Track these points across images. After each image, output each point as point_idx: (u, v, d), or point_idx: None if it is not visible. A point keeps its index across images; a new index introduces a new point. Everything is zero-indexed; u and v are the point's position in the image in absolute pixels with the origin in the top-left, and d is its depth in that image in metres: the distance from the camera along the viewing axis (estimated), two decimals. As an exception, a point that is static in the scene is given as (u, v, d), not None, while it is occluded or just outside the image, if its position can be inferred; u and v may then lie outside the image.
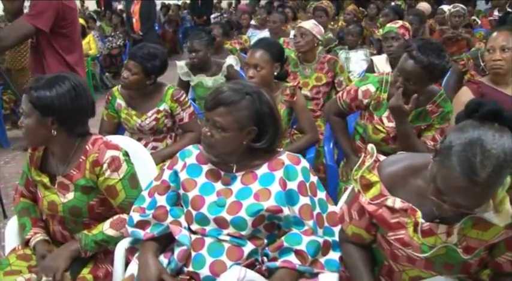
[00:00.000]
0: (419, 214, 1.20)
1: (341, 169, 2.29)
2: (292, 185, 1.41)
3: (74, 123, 1.56)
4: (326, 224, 1.45)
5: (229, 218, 1.39)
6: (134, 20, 5.87)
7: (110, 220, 1.60)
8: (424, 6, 5.64)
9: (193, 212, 1.44)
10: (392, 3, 6.19)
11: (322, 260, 1.40)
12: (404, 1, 6.85)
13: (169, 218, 1.48)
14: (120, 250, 1.55)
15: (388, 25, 3.00)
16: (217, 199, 1.43)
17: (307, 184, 1.43)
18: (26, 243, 1.66)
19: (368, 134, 2.13)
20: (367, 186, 1.28)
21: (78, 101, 1.52)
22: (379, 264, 1.39)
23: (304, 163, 1.47)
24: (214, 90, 1.43)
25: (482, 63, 2.93)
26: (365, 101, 2.11)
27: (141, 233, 1.47)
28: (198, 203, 1.43)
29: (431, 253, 1.19)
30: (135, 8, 5.84)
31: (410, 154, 1.39)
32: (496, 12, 6.59)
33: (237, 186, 1.44)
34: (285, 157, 1.46)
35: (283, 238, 1.39)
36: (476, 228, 1.18)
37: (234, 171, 1.47)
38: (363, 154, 1.36)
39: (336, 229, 1.45)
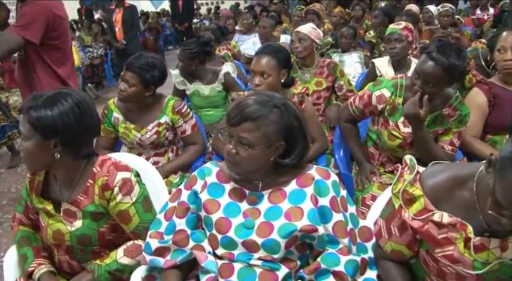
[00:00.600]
0: (470, 228, 1.12)
1: (354, 177, 2.20)
2: (324, 201, 1.31)
3: (79, 144, 1.41)
4: (358, 240, 1.36)
5: (260, 241, 1.28)
6: (117, 29, 5.71)
7: (124, 247, 1.47)
8: (413, 8, 5.64)
9: (219, 236, 1.32)
10: (382, 4, 6.15)
11: (360, 280, 1.31)
12: (388, 2, 6.85)
13: (191, 243, 1.36)
14: (136, 279, 1.42)
15: (391, 26, 2.93)
16: (245, 221, 1.32)
17: (339, 199, 1.34)
18: (28, 275, 1.50)
19: (383, 141, 2.05)
20: (410, 201, 1.19)
21: (84, 120, 1.38)
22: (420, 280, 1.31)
23: (334, 176, 1.37)
24: (237, 103, 1.31)
25: (483, 63, 2.91)
26: (379, 107, 2.02)
27: (161, 261, 1.35)
28: (223, 226, 1.32)
29: (486, 270, 1.11)
30: (117, 16, 5.68)
31: (451, 164, 1.31)
32: (478, 11, 6.67)
33: (264, 205, 1.34)
34: (314, 171, 1.36)
35: (319, 259, 1.29)
36: None
37: (259, 189, 1.36)
38: (399, 166, 1.28)
39: (369, 245, 1.36)
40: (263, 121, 1.26)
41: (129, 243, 1.47)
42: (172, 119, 2.28)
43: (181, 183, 2.25)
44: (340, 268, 1.26)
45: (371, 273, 1.32)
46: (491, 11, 6.61)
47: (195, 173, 1.44)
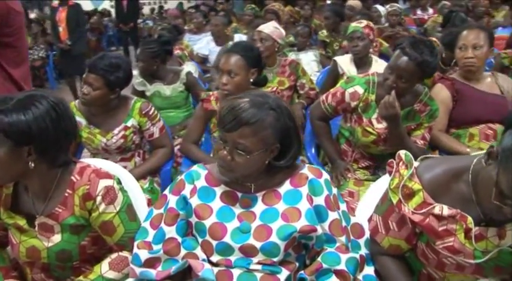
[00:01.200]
0: (470, 219, 1.14)
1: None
2: (319, 200, 1.29)
3: (55, 151, 1.27)
4: (352, 237, 1.35)
5: (258, 244, 1.24)
6: (61, 29, 5.40)
7: (108, 260, 1.36)
8: (355, 4, 5.77)
9: (214, 242, 1.26)
10: (328, 1, 6.27)
11: (360, 276, 1.30)
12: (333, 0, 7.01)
13: (183, 251, 1.29)
14: (123, 293, 1.33)
15: (353, 25, 2.98)
16: (240, 225, 1.27)
17: (331, 197, 1.33)
18: None
19: (357, 137, 2.07)
20: (409, 195, 1.20)
21: (61, 124, 1.25)
22: (416, 273, 1.33)
23: (326, 174, 1.35)
24: (231, 107, 1.23)
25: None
26: (353, 104, 2.04)
27: (153, 273, 1.27)
28: (218, 232, 1.26)
29: (487, 258, 1.14)
30: (61, 15, 5.37)
31: (445, 157, 1.34)
32: (419, 11, 6.98)
33: (259, 208, 1.29)
34: (307, 171, 1.33)
35: (319, 259, 1.26)
36: None
37: (252, 191, 1.32)
38: (394, 162, 1.28)
39: (361, 241, 1.36)
40: (260, 125, 1.20)
41: (114, 255, 1.37)
42: (140, 122, 2.17)
43: (151, 188, 2.18)
44: (342, 266, 1.24)
45: (368, 269, 1.32)
46: (431, 11, 6.95)
47: (182, 177, 1.37)
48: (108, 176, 1.35)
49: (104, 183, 1.32)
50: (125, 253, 1.37)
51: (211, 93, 2.24)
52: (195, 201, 1.31)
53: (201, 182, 1.34)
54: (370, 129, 2.02)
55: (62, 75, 7.24)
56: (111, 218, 1.33)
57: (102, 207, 1.31)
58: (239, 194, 1.31)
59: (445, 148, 2.20)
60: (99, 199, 1.30)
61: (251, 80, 2.15)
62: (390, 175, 1.31)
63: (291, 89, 3.04)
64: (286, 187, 1.31)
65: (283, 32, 3.06)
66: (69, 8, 5.39)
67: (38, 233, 1.33)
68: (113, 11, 12.27)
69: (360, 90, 2.02)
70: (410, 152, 1.94)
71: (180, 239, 1.31)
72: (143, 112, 2.17)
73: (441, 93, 2.25)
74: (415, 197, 1.20)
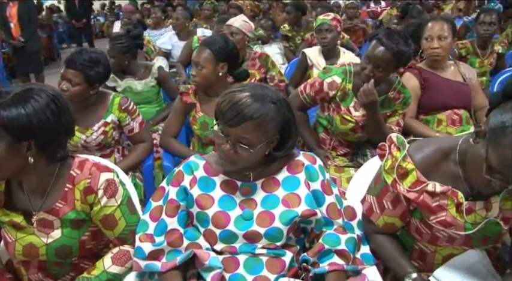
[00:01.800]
0: (460, 194, 1.23)
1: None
2: (316, 185, 1.35)
3: (55, 146, 1.24)
4: (345, 219, 1.42)
5: (262, 230, 1.27)
6: (12, 25, 5.16)
7: (110, 255, 1.35)
8: None
9: (217, 231, 1.29)
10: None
11: (358, 255, 1.36)
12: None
13: (185, 242, 1.30)
14: (127, 286, 1.33)
15: (321, 17, 3.06)
16: (243, 212, 1.30)
17: (326, 182, 1.38)
18: None
19: (335, 125, 2.14)
20: (403, 175, 1.28)
21: (61, 117, 1.22)
22: (409, 249, 1.41)
23: (319, 161, 1.41)
24: (232, 102, 1.23)
25: None
26: (331, 93, 2.11)
27: (158, 265, 1.28)
28: (221, 220, 1.29)
29: (477, 229, 1.23)
30: (12, 11, 5.14)
31: (431, 139, 1.42)
32: (372, 4, 7.21)
33: (259, 195, 1.33)
34: (302, 158, 1.38)
35: (321, 240, 1.31)
36: (510, 199, 1.25)
37: (251, 179, 1.35)
38: (386, 145, 1.35)
39: (354, 223, 1.42)
40: (263, 119, 1.22)
41: (115, 250, 1.36)
42: (119, 117, 2.15)
43: (134, 183, 2.16)
44: (342, 246, 1.30)
45: (365, 248, 1.38)
46: (383, 3, 7.21)
47: (180, 168, 1.38)
48: (108, 169, 1.34)
49: (105, 176, 1.31)
50: (126, 247, 1.36)
51: (189, 86, 2.24)
52: (195, 191, 1.32)
53: (200, 173, 1.36)
54: (348, 117, 2.10)
55: (14, 73, 6.93)
56: (112, 212, 1.32)
57: (103, 200, 1.30)
58: (238, 183, 1.34)
59: (416, 133, 2.31)
60: (100, 192, 1.29)
61: (220, 74, 2.14)
62: (381, 157, 1.38)
63: (261, 82, 3.08)
64: (284, 174, 1.35)
65: (252, 25, 3.10)
66: (20, 3, 5.16)
67: (36, 229, 1.29)
68: (61, 7, 11.88)
69: (338, 80, 2.09)
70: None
71: (182, 230, 1.32)
72: (123, 107, 2.15)
73: (410, 81, 2.36)
74: (408, 176, 1.27)
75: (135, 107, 2.21)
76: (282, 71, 3.49)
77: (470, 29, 3.78)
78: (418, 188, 1.25)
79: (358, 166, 2.15)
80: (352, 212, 1.42)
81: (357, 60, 3.10)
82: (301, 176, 1.34)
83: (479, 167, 1.13)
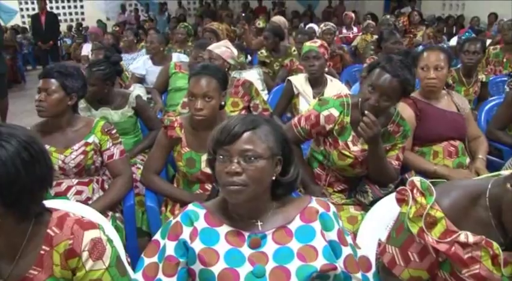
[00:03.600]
0: (495, 245, 1.12)
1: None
2: (332, 235, 1.21)
3: (28, 202, 1.06)
4: (361, 271, 1.28)
5: None
6: (-26, 47, 4.86)
7: None
8: (279, 19, 5.82)
9: (225, 292, 1.12)
10: (260, 23, 6.29)
11: None
12: (265, 20, 7.07)
13: None
14: None
15: (308, 44, 2.96)
16: (254, 269, 1.14)
17: (341, 231, 1.25)
18: None
19: (333, 161, 2.01)
20: (432, 224, 1.15)
21: (35, 168, 1.04)
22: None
23: (332, 207, 1.27)
24: (222, 126, 1.17)
25: None
26: (328, 127, 1.98)
27: None
28: (229, 279, 1.12)
29: None
30: (-25, 32, 4.85)
31: (457, 182, 1.31)
32: (344, 30, 7.26)
33: (270, 247, 1.17)
34: (315, 204, 1.24)
35: (341, 301, 1.17)
36: None
37: (260, 229, 1.19)
38: (408, 189, 1.23)
39: (370, 275, 1.29)
40: (261, 130, 1.16)
41: None
42: (101, 139, 2.07)
43: (115, 226, 1.96)
44: None
45: None
46: (355, 29, 7.27)
47: (177, 219, 1.21)
48: (93, 226, 1.15)
49: (89, 235, 1.12)
50: None
51: (174, 118, 2.07)
52: (197, 245, 1.16)
53: (201, 223, 1.20)
54: (346, 153, 1.97)
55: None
56: (100, 276, 1.13)
57: (89, 264, 1.11)
58: (246, 234, 1.19)
59: (413, 166, 2.23)
60: (85, 254, 1.10)
61: (222, 104, 2.03)
62: (400, 202, 1.26)
63: (245, 110, 2.95)
64: (296, 222, 1.21)
65: (235, 52, 2.97)
66: (-17, 24, 4.88)
67: None
68: (27, 27, 11.49)
69: (335, 113, 1.97)
70: (388, 174, 1.95)
71: (182, 292, 1.15)
72: (106, 130, 2.08)
73: (405, 112, 2.27)
74: (437, 225, 1.15)
75: (117, 134, 2.13)
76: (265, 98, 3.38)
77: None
78: (449, 239, 1.13)
79: (356, 203, 2.03)
80: (367, 263, 1.29)
81: (345, 89, 3.03)
82: (317, 225, 1.20)
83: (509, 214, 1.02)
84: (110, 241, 1.17)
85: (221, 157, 1.15)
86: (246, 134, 1.15)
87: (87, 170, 2.05)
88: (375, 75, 1.83)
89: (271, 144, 1.17)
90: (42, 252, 1.10)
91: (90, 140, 2.03)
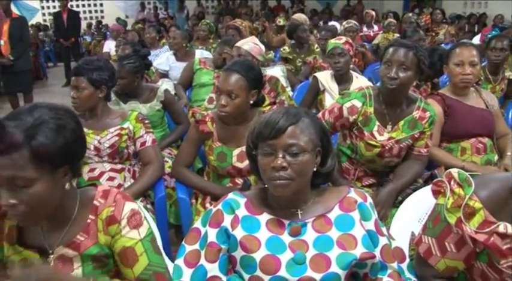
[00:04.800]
0: None
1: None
2: (369, 225, 1.23)
3: (79, 168, 1.17)
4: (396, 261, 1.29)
5: (318, 276, 1.14)
6: (2, 42, 4.96)
7: None
8: (300, 17, 5.84)
9: (266, 277, 1.15)
10: (281, 21, 6.31)
11: None
12: (286, 18, 7.09)
13: None
14: None
15: (333, 41, 2.98)
16: (294, 255, 1.16)
17: (378, 221, 1.27)
18: None
19: (360, 153, 2.03)
20: (470, 214, 1.17)
21: (82, 133, 1.15)
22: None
23: (369, 198, 1.29)
24: (266, 121, 1.18)
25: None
26: (351, 118, 2.00)
27: None
28: (271, 265, 1.15)
29: None
30: (3, 28, 4.94)
31: (495, 174, 1.33)
32: (365, 29, 7.23)
33: (310, 235, 1.20)
34: (354, 194, 1.26)
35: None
36: None
37: (300, 218, 1.22)
38: (445, 181, 1.24)
39: (404, 266, 1.30)
40: (303, 124, 1.18)
41: None
42: (135, 126, 2.15)
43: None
44: None
45: None
46: (376, 28, 7.24)
47: (218, 207, 1.24)
48: (133, 200, 1.22)
49: (130, 205, 1.19)
50: None
51: (205, 113, 2.10)
52: (239, 232, 1.19)
53: (242, 211, 1.23)
54: (373, 142, 1.99)
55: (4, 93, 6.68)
56: (133, 245, 1.16)
57: (125, 230, 1.16)
58: (286, 222, 1.21)
59: (441, 162, 2.23)
60: (124, 222, 1.16)
61: (250, 103, 2.02)
62: (436, 194, 1.28)
63: (271, 106, 2.96)
64: (336, 212, 1.23)
65: (262, 48, 3.00)
66: (12, 21, 4.98)
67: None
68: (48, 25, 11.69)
69: (358, 104, 1.99)
70: (416, 177, 1.98)
71: (224, 278, 1.18)
72: (139, 119, 2.17)
73: (433, 108, 2.28)
74: (475, 216, 1.16)
75: (150, 124, 2.21)
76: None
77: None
78: (487, 230, 1.14)
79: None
80: (401, 254, 1.31)
81: (371, 84, 3.03)
82: (355, 214, 1.23)
83: None
84: (145, 218, 1.22)
85: (265, 151, 1.17)
86: (290, 129, 1.15)
87: (120, 153, 2.12)
88: (389, 52, 1.90)
89: (312, 136, 1.18)
90: (88, 221, 1.17)
91: (125, 125, 2.13)
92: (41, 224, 1.16)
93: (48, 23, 12.01)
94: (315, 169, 1.22)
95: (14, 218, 1.09)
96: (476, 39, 5.71)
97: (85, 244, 1.15)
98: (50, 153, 1.01)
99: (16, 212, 1.03)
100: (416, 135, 2.01)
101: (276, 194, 1.20)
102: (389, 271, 1.23)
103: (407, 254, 1.35)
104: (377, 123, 2.00)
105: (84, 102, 2.06)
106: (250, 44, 2.92)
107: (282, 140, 1.15)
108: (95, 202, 1.18)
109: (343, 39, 2.99)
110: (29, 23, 11.43)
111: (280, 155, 1.14)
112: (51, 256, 1.15)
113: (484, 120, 2.32)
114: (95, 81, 2.05)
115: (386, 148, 1.98)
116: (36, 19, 12.61)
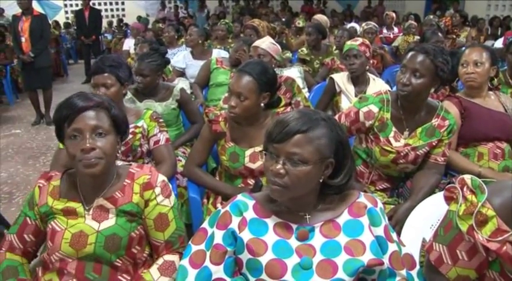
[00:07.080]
0: None
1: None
2: (379, 231, 1.21)
3: (123, 140, 1.45)
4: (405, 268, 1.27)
5: None
6: (23, 39, 5.06)
7: (156, 266, 1.37)
8: (321, 18, 5.81)
9: (272, 282, 1.14)
10: (300, 22, 6.28)
11: None
12: (305, 19, 7.06)
13: None
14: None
15: (349, 43, 2.95)
16: (301, 260, 1.15)
17: (388, 227, 1.24)
18: None
19: (375, 158, 2.00)
20: (482, 222, 1.14)
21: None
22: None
23: (380, 202, 1.27)
24: (279, 121, 1.16)
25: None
26: (368, 123, 1.97)
27: None
28: (277, 269, 1.14)
29: None
30: (24, 25, 5.04)
31: (509, 182, 1.28)
32: (385, 30, 7.15)
33: (318, 240, 1.18)
34: (364, 199, 1.24)
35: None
36: None
37: (308, 222, 1.21)
38: (458, 187, 1.21)
39: (414, 273, 1.28)
40: (313, 133, 1.13)
41: (160, 261, 1.38)
42: (149, 125, 2.16)
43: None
44: None
45: None
46: (396, 30, 7.15)
47: (227, 209, 1.24)
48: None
49: (162, 177, 1.40)
50: (170, 257, 1.38)
51: (219, 113, 2.10)
52: (246, 235, 1.18)
53: (250, 214, 1.22)
54: (388, 148, 1.96)
55: (19, 89, 6.81)
56: (166, 212, 1.38)
57: (160, 198, 1.37)
58: (294, 226, 1.20)
59: (456, 166, 2.18)
60: (158, 190, 1.37)
61: (261, 105, 2.00)
62: (448, 200, 1.25)
63: (287, 107, 2.95)
64: (345, 217, 1.21)
65: (279, 47, 2.99)
66: (33, 18, 5.07)
67: (90, 216, 1.32)
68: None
69: (375, 109, 1.97)
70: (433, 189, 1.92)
71: (229, 280, 1.17)
72: (154, 117, 2.18)
73: (449, 110, 2.24)
74: (488, 224, 1.13)
75: (164, 123, 2.23)
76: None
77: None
78: (500, 238, 1.11)
79: (398, 203, 2.01)
80: (411, 260, 1.28)
81: (388, 88, 2.99)
82: (365, 220, 1.20)
83: None
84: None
85: (270, 153, 1.16)
86: (296, 136, 1.12)
87: (133, 151, 2.13)
88: (407, 57, 1.86)
89: (322, 147, 1.14)
90: (125, 184, 1.37)
91: (139, 124, 2.14)
92: (103, 170, 1.31)
93: (70, 21, 12.20)
94: (321, 180, 1.19)
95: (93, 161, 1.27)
96: (499, 43, 5.58)
97: (121, 201, 1.34)
98: (118, 120, 1.36)
99: (96, 155, 1.26)
100: (434, 143, 1.97)
101: (273, 197, 1.19)
102: (398, 279, 1.20)
103: (417, 261, 1.32)
104: (394, 129, 1.97)
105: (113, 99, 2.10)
106: (267, 43, 2.91)
107: (286, 147, 1.12)
108: (131, 170, 1.40)
109: (359, 40, 2.95)
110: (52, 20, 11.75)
111: (281, 161, 1.13)
112: (92, 204, 1.34)
113: (503, 123, 2.26)
114: (121, 78, 2.10)
115: (402, 154, 1.95)
116: (59, 17, 12.83)
